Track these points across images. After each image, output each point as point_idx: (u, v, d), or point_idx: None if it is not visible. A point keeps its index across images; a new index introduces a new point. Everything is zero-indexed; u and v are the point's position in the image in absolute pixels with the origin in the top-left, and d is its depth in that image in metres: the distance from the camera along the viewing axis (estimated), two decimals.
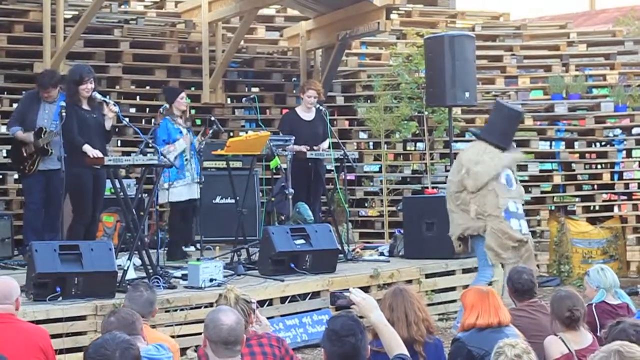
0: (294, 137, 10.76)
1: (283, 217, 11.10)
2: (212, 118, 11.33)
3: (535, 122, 14.43)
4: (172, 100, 10.85)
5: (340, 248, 10.45)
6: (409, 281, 9.93)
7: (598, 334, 6.21)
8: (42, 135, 10.46)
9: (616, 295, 7.17)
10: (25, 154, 10.58)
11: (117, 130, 12.66)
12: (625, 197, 14.06)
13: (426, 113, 13.67)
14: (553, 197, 14.05)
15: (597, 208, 14.27)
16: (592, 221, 13.82)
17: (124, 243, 9.69)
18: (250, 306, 5.77)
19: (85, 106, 9.58)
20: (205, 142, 10.73)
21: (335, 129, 12.93)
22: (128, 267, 8.75)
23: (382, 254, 11.43)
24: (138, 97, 14.07)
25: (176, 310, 8.29)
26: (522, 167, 13.14)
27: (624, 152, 14.19)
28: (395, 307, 5.81)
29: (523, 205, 9.79)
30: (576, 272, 13.06)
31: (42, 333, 5.93)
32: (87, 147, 9.27)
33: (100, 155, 9.17)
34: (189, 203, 10.75)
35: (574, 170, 14.23)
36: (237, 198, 10.33)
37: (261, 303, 8.70)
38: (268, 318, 8.72)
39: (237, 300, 5.69)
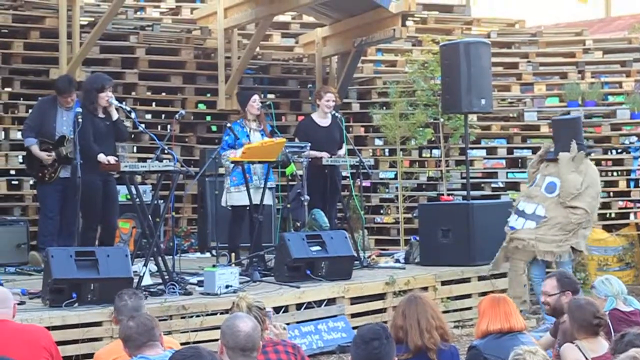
0: (309, 144, 10.76)
1: (299, 224, 11.11)
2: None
3: (551, 130, 14.36)
4: (245, 103, 10.79)
5: (356, 255, 10.43)
6: (425, 288, 9.92)
7: None
8: (65, 144, 10.41)
9: (626, 302, 7.16)
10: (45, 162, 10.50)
11: (133, 136, 12.72)
12: None
13: (442, 120, 13.65)
14: None
15: (612, 215, 14.21)
16: (608, 229, 13.76)
17: (140, 249, 9.70)
18: (264, 312, 5.78)
19: (100, 114, 9.66)
20: None
21: (350, 135, 12.91)
22: (144, 273, 8.77)
23: (397, 260, 11.41)
24: (154, 104, 14.14)
25: (192, 317, 8.28)
26: None
27: None
28: (408, 314, 5.83)
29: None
30: (592, 279, 13.00)
31: (42, 332, 5.90)
32: (101, 157, 9.33)
33: (114, 161, 9.22)
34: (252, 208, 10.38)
35: None
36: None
37: (277, 310, 8.70)
38: None
39: (249, 308, 5.70)
